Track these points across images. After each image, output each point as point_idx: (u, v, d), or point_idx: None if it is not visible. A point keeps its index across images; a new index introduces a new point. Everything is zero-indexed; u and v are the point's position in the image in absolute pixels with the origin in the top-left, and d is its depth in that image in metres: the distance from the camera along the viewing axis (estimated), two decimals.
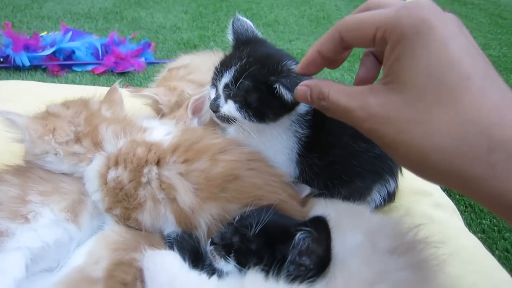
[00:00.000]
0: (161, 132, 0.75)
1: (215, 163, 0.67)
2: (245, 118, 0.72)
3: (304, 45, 3.08)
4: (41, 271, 0.63)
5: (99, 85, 2.11)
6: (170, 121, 0.84)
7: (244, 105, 0.72)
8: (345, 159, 0.76)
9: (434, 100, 0.40)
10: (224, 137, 0.77)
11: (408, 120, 0.41)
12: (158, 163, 0.68)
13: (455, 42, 0.40)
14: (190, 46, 2.74)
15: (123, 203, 0.67)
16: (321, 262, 0.57)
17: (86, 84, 2.07)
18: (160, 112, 0.93)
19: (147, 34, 2.88)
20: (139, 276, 0.58)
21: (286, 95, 0.65)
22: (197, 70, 0.99)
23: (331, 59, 0.52)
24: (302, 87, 0.52)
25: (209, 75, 0.93)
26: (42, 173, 0.69)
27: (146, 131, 0.75)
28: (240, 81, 0.71)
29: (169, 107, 0.92)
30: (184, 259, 0.59)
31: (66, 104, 0.75)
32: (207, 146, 0.70)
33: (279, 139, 0.76)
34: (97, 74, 2.24)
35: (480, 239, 1.50)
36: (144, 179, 0.67)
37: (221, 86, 0.74)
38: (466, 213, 1.63)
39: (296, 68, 0.70)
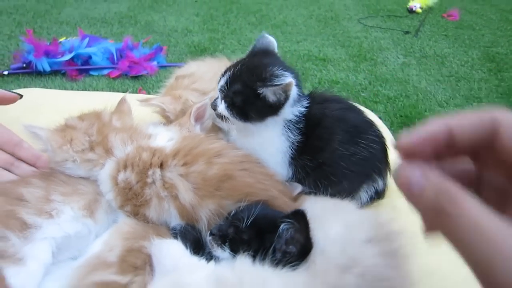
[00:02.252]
0: (164, 138, 0.85)
1: (211, 165, 0.76)
2: (232, 115, 0.84)
3: (311, 46, 3.16)
4: (67, 259, 0.73)
5: (114, 88, 2.23)
6: (175, 127, 0.93)
7: (231, 105, 0.84)
8: (334, 161, 0.84)
9: None
10: (220, 142, 0.86)
11: None
12: (161, 166, 0.77)
13: None
14: (201, 49, 2.86)
15: (132, 200, 0.77)
16: (304, 250, 0.65)
17: (103, 87, 2.19)
18: (167, 119, 1.02)
19: (160, 37, 3.00)
20: (148, 261, 0.67)
21: (270, 98, 0.78)
22: (200, 79, 1.08)
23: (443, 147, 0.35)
24: (416, 177, 0.34)
25: (211, 83, 1.04)
26: (63, 177, 0.79)
27: (151, 138, 0.85)
28: (231, 84, 0.83)
29: (175, 114, 1.00)
30: (186, 246, 0.68)
31: (81, 117, 0.84)
32: (204, 150, 0.79)
33: (272, 143, 0.86)
34: (113, 78, 2.37)
35: None
36: (149, 180, 0.76)
37: (218, 88, 0.86)
38: None
39: (281, 73, 0.80)
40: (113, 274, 0.65)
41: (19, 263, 0.65)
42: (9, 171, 0.85)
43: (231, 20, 3.58)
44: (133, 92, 2.23)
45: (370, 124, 0.89)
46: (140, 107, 1.01)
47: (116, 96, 1.29)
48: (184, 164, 0.76)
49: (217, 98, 0.87)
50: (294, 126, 0.85)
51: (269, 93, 0.79)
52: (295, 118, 0.85)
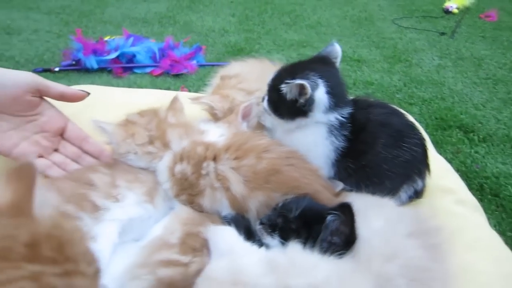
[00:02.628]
0: (216, 134, 0.91)
1: (260, 160, 0.81)
2: (270, 110, 0.92)
3: (346, 47, 3.16)
4: (130, 240, 0.81)
5: (157, 85, 2.33)
6: (223, 124, 0.99)
7: (269, 99, 0.92)
8: (377, 164, 0.88)
9: None
10: (267, 139, 0.91)
11: None
12: (214, 159, 0.83)
13: None
14: (237, 49, 2.93)
15: (188, 190, 0.84)
16: (348, 240, 0.70)
17: (146, 85, 2.30)
18: (215, 116, 1.07)
19: (198, 37, 3.09)
20: (205, 244, 0.74)
21: (287, 95, 0.85)
22: (246, 80, 1.14)
23: None
24: None
25: (256, 83, 1.11)
26: (125, 166, 0.87)
27: (204, 133, 0.91)
28: (273, 81, 0.91)
29: (223, 112, 1.05)
30: (239, 233, 0.73)
31: (141, 113, 0.92)
32: (254, 146, 0.84)
33: (316, 146, 0.91)
34: (155, 76, 2.47)
35: (510, 237, 1.59)
36: (204, 172, 0.82)
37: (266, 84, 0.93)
38: (497, 212, 1.70)
39: (310, 77, 0.84)
40: (175, 254, 0.72)
41: (91, 241, 0.72)
42: (76, 162, 0.94)
43: (266, 20, 3.63)
44: (175, 90, 2.33)
45: (413, 127, 0.93)
46: (189, 105, 1.07)
47: (160, 93, 1.37)
48: (235, 158, 0.82)
49: (265, 94, 0.94)
50: (338, 132, 0.89)
51: (285, 90, 0.84)
52: (338, 123, 0.89)
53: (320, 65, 0.91)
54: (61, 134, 0.94)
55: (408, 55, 3.17)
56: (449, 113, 2.42)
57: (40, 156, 0.91)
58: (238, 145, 0.85)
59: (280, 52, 2.96)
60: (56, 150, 0.94)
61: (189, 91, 2.24)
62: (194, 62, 2.58)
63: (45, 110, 0.91)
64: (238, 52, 2.88)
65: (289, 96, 0.85)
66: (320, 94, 0.86)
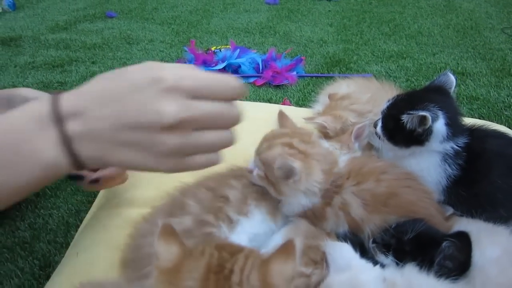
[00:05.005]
0: (342, 161, 0.94)
1: (379, 182, 0.85)
2: (384, 136, 0.96)
3: (448, 59, 3.02)
4: None
5: (260, 95, 2.46)
6: (336, 144, 1.05)
7: (385, 126, 0.96)
8: (491, 193, 0.89)
9: None
10: (383, 161, 0.97)
11: None
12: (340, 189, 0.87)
13: None
14: (336, 60, 2.96)
15: (311, 217, 0.89)
16: (461, 267, 0.73)
17: (250, 95, 2.42)
18: (326, 135, 1.13)
19: (297, 47, 3.17)
20: (324, 257, 0.79)
21: (407, 125, 0.88)
22: (358, 101, 1.19)
23: None
24: None
25: (368, 105, 1.17)
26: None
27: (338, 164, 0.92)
28: (389, 109, 0.95)
29: (335, 132, 1.11)
30: (355, 250, 0.79)
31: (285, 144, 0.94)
32: (372, 169, 0.89)
33: (428, 173, 0.93)
34: (258, 86, 2.61)
35: None
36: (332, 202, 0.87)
37: (381, 110, 0.99)
38: None
39: (431, 109, 0.87)
40: (299, 265, 0.78)
41: None
42: None
43: (364, 30, 3.60)
44: (276, 100, 2.44)
45: None
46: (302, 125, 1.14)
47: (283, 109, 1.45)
48: (356, 183, 0.87)
49: (379, 119, 0.99)
50: (453, 160, 0.91)
51: (405, 120, 0.88)
52: (453, 152, 0.91)
53: (438, 95, 0.94)
54: None
55: None
56: None
57: None
58: (357, 170, 0.89)
59: (378, 64, 2.93)
60: None
61: (291, 102, 2.33)
62: (295, 73, 2.67)
63: None
64: (337, 63, 2.91)
65: (408, 126, 0.89)
66: (439, 126, 0.89)
